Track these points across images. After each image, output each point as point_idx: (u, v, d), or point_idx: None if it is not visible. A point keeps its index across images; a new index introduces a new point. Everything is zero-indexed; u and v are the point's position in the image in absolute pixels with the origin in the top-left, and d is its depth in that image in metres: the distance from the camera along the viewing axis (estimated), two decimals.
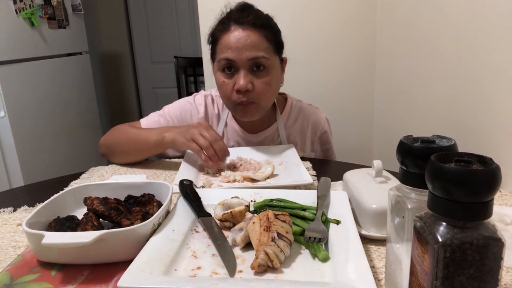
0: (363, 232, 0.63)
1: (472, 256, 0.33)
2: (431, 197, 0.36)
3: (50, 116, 2.38)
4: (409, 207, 0.42)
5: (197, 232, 0.63)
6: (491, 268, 0.34)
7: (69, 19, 2.57)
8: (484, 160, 0.34)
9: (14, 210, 0.81)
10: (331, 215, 0.65)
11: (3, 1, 2.02)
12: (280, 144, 1.15)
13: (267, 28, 1.01)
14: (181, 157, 1.05)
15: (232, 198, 0.70)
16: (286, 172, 0.93)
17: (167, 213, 0.65)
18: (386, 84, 1.67)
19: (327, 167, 1.11)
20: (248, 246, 0.58)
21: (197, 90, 2.48)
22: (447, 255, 0.33)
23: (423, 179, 0.36)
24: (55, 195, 0.67)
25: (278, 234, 0.54)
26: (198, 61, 2.34)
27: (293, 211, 0.66)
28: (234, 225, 0.63)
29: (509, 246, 0.37)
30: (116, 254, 0.55)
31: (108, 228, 0.57)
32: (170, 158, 1.15)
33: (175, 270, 0.52)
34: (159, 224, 0.60)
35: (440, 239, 0.34)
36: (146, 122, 1.14)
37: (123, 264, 0.53)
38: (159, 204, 0.67)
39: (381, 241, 0.62)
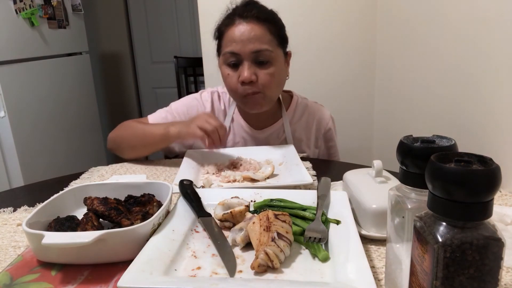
0: (363, 232, 0.63)
1: (472, 256, 0.33)
2: (431, 197, 0.36)
3: (50, 116, 2.38)
4: (409, 207, 0.42)
5: (197, 232, 0.63)
6: (491, 268, 0.34)
7: (69, 19, 2.57)
8: (484, 160, 0.34)
9: (14, 210, 0.81)
10: (331, 215, 0.65)
11: (3, 1, 2.02)
12: (285, 140, 1.17)
13: (270, 22, 1.04)
14: (182, 157, 1.05)
15: (232, 198, 0.70)
16: (286, 172, 0.93)
17: (167, 213, 0.65)
18: (386, 85, 1.67)
19: (327, 167, 1.11)
20: (248, 246, 0.58)
21: (197, 90, 2.47)
22: (447, 255, 0.33)
23: (423, 179, 0.36)
24: (55, 195, 0.67)
25: (278, 234, 0.54)
26: (198, 61, 2.34)
27: (293, 211, 0.66)
28: (234, 225, 0.63)
29: (509, 246, 0.37)
30: (116, 254, 0.55)
31: (108, 228, 0.57)
32: (177, 154, 1.15)
33: (175, 270, 0.52)
34: (159, 224, 0.60)
35: (440, 239, 0.34)
36: (153, 118, 1.16)
37: (123, 264, 0.53)
38: (159, 204, 0.67)
39: (381, 241, 0.62)
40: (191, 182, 0.76)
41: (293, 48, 1.20)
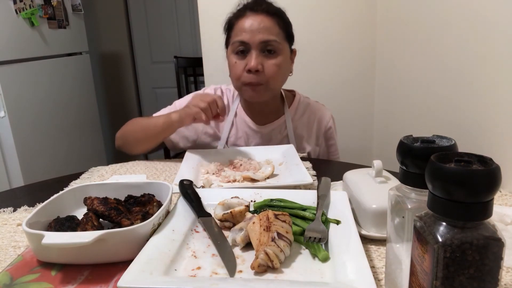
0: (363, 232, 0.63)
1: (472, 256, 0.33)
2: (431, 197, 0.36)
3: (50, 116, 2.38)
4: (409, 207, 0.42)
5: (197, 232, 0.63)
6: (491, 268, 0.34)
7: (69, 19, 2.57)
8: (484, 160, 0.34)
9: (14, 210, 0.81)
10: (331, 215, 0.65)
11: (3, 1, 2.02)
12: (287, 136, 1.19)
13: (279, 16, 1.09)
14: (182, 157, 1.05)
15: (232, 198, 0.70)
16: (286, 172, 0.93)
17: (167, 213, 0.65)
18: (386, 85, 1.67)
19: (327, 167, 1.11)
20: (248, 246, 0.58)
21: (197, 90, 2.48)
22: (447, 255, 0.33)
23: (423, 179, 0.36)
24: (55, 195, 0.67)
25: (278, 234, 0.54)
26: (198, 61, 2.34)
27: (293, 211, 0.66)
28: (234, 225, 0.63)
29: (509, 246, 0.37)
30: (116, 254, 0.55)
31: (108, 228, 0.57)
32: (181, 151, 1.16)
33: (175, 270, 0.52)
34: (159, 224, 0.60)
35: (440, 239, 0.34)
36: (158, 115, 1.18)
37: (123, 264, 0.53)
38: (159, 204, 0.67)
39: (381, 241, 0.62)
40: (191, 182, 0.76)
41: (293, 47, 1.20)
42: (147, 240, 0.56)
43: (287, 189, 0.78)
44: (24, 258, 0.57)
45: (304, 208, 0.67)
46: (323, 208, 0.65)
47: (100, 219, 0.63)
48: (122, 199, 0.68)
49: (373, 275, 0.47)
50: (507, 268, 0.55)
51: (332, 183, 0.77)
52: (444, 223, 0.35)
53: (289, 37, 1.12)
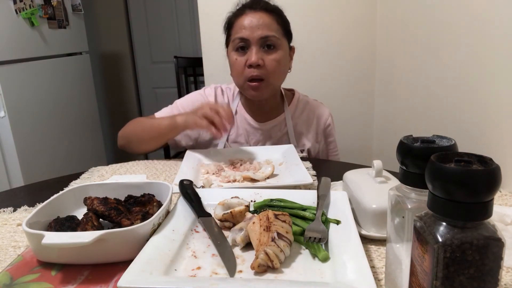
0: (363, 232, 0.63)
1: (472, 256, 0.33)
2: (431, 197, 0.36)
3: (50, 116, 2.38)
4: (409, 207, 0.42)
5: (197, 232, 0.63)
6: (491, 268, 0.34)
7: (69, 19, 2.57)
8: (484, 160, 0.34)
9: (14, 210, 0.81)
10: (331, 215, 0.65)
11: (3, 1, 2.02)
12: (287, 133, 1.20)
13: (277, 13, 1.11)
14: (182, 157, 1.05)
15: (232, 198, 0.70)
16: (286, 172, 0.93)
17: (167, 213, 0.65)
18: (386, 84, 1.67)
19: (327, 167, 1.11)
20: (248, 246, 0.58)
21: (197, 90, 2.48)
22: (447, 255, 0.33)
23: (423, 179, 0.36)
24: (55, 195, 0.67)
25: (278, 234, 0.54)
26: (198, 61, 2.34)
27: (293, 211, 0.66)
28: (234, 225, 0.63)
29: (509, 246, 0.37)
30: (116, 254, 0.55)
31: (108, 228, 0.57)
32: (184, 149, 1.17)
33: (175, 270, 0.52)
34: (159, 224, 0.60)
35: (440, 239, 0.34)
36: (160, 115, 1.20)
37: (123, 264, 0.53)
38: (159, 204, 0.67)
39: (381, 241, 0.62)
40: (191, 182, 0.76)
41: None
42: (147, 240, 0.56)
43: (287, 189, 0.78)
44: (24, 258, 0.57)
45: (304, 208, 0.67)
46: (323, 208, 0.65)
47: (100, 219, 0.63)
48: (122, 199, 0.68)
49: (373, 275, 0.47)
50: (507, 268, 0.55)
51: (332, 183, 0.77)
52: (444, 223, 0.35)
53: (288, 34, 1.14)
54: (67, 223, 0.58)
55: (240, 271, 0.53)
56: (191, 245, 0.59)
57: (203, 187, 0.83)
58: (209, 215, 0.66)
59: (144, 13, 3.37)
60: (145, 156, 1.16)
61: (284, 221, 0.57)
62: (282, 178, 0.90)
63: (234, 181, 0.88)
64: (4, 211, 0.80)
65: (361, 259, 0.50)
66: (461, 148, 0.41)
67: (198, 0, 1.75)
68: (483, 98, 0.97)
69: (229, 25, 1.13)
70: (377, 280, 0.52)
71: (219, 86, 1.26)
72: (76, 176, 1.00)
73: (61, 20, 2.48)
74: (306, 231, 0.58)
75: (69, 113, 2.56)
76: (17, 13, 2.10)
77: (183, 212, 0.66)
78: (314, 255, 0.56)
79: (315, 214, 0.64)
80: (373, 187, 0.68)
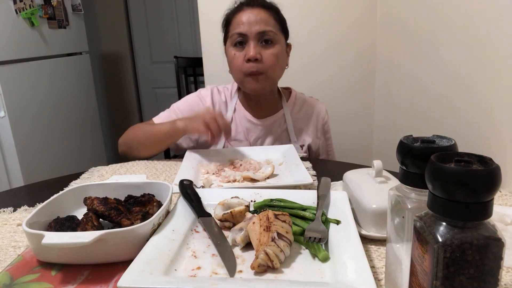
0: (363, 232, 0.63)
1: (472, 256, 0.33)
2: (431, 197, 0.36)
3: (50, 116, 2.38)
4: (409, 207, 0.42)
5: (197, 232, 0.63)
6: (491, 268, 0.34)
7: (69, 19, 2.57)
8: (484, 160, 0.34)
9: (14, 210, 0.81)
10: (331, 215, 0.65)
11: (3, 1, 2.02)
12: (287, 129, 1.22)
13: (274, 10, 1.13)
14: (182, 157, 1.05)
15: (232, 198, 0.70)
16: (286, 172, 0.93)
17: (167, 213, 0.65)
18: (386, 84, 1.67)
19: (327, 167, 1.11)
20: (248, 246, 0.58)
21: (197, 90, 2.48)
22: (447, 255, 0.33)
23: (423, 179, 0.36)
24: (55, 195, 0.67)
25: (278, 234, 0.54)
26: (198, 61, 2.33)
27: (293, 211, 0.66)
28: (234, 225, 0.63)
29: (509, 246, 0.37)
30: (116, 254, 0.55)
31: (108, 228, 0.57)
32: (185, 150, 1.17)
33: (175, 270, 0.52)
34: (159, 224, 0.60)
35: (440, 239, 0.34)
36: (158, 119, 1.21)
37: (123, 264, 0.53)
38: (159, 204, 0.67)
39: (381, 241, 0.62)
40: (191, 182, 0.76)
41: (293, 47, 1.21)
42: (147, 240, 0.56)
43: (287, 189, 0.78)
44: (24, 258, 0.57)
45: (304, 208, 0.67)
46: (323, 208, 0.65)
47: (100, 219, 0.63)
48: (122, 199, 0.68)
49: (373, 275, 0.47)
50: (507, 268, 0.55)
51: (332, 183, 0.77)
52: (444, 223, 0.35)
53: (285, 30, 1.16)
54: (67, 223, 0.58)
55: (240, 271, 0.53)
56: (191, 245, 0.59)
57: (203, 187, 0.83)
58: (209, 215, 0.66)
59: (144, 13, 3.37)
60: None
61: (284, 221, 0.57)
62: (282, 178, 0.90)
63: (234, 181, 0.88)
64: (4, 211, 0.80)
65: (361, 259, 0.50)
66: (461, 148, 0.41)
67: (198, 0, 1.75)
68: (483, 98, 0.97)
69: (227, 22, 1.15)
70: (377, 280, 0.52)
71: (215, 87, 1.26)
72: (76, 176, 1.00)
73: (61, 20, 2.48)
74: (306, 231, 0.58)
75: (69, 113, 2.56)
76: (17, 13, 2.10)
77: (183, 212, 0.66)
78: (314, 255, 0.56)
79: (315, 214, 0.64)
80: (373, 187, 0.68)
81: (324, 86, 1.78)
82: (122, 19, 3.36)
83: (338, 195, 0.70)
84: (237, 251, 0.58)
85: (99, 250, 0.54)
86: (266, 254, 0.52)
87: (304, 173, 0.86)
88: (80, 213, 0.64)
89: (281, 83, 1.22)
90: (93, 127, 2.87)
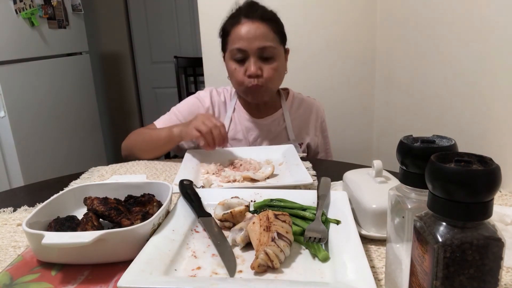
0: (363, 232, 0.63)
1: (472, 256, 0.33)
2: (431, 197, 0.36)
3: (50, 116, 2.38)
4: (409, 207, 0.42)
5: (197, 232, 0.63)
6: (491, 268, 0.34)
7: (69, 19, 2.57)
8: (484, 160, 0.34)
9: (14, 210, 0.81)
10: (331, 215, 0.65)
11: (3, 1, 2.02)
12: (286, 128, 1.23)
13: (273, 21, 1.13)
14: (182, 157, 1.05)
15: (232, 198, 0.70)
16: (286, 172, 0.93)
17: (167, 213, 0.65)
18: (386, 84, 1.67)
19: (327, 167, 1.11)
20: (248, 246, 0.58)
21: (197, 90, 2.48)
22: (447, 255, 0.33)
23: (423, 179, 0.36)
24: (55, 195, 0.67)
25: (278, 234, 0.54)
26: (198, 61, 2.34)
27: (293, 211, 0.66)
28: (234, 225, 0.63)
29: (509, 246, 0.37)
30: (116, 254, 0.55)
31: (108, 228, 0.57)
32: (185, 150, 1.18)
33: (175, 270, 0.52)
34: (159, 224, 0.60)
35: (440, 239, 0.34)
36: (159, 123, 1.22)
37: (123, 264, 0.53)
38: (159, 204, 0.67)
39: (381, 241, 0.62)
40: (191, 182, 0.76)
41: (293, 47, 1.21)
42: (147, 240, 0.56)
43: (287, 189, 0.78)
44: (24, 258, 0.57)
45: (304, 208, 0.67)
46: (323, 208, 0.65)
47: (100, 219, 0.63)
48: (122, 199, 0.68)
49: (373, 275, 0.47)
50: (507, 268, 0.55)
51: (332, 183, 0.77)
52: (444, 223, 0.35)
53: (283, 38, 1.16)
54: (67, 223, 0.58)
55: (240, 271, 0.53)
56: (191, 245, 0.59)
57: (203, 187, 0.83)
58: (209, 215, 0.66)
59: (144, 13, 3.37)
60: None
61: (284, 221, 0.57)
62: (282, 178, 0.90)
63: (234, 181, 0.88)
64: (4, 211, 0.80)
65: (361, 259, 0.50)
66: (461, 148, 0.41)
67: (198, 0, 1.75)
68: (483, 98, 0.97)
69: (225, 32, 1.15)
70: (377, 280, 0.52)
71: (214, 88, 1.28)
72: (76, 176, 1.00)
73: (61, 20, 2.48)
74: (306, 231, 0.58)
75: (69, 113, 2.56)
76: (17, 13, 2.10)
77: (183, 212, 0.66)
78: (314, 255, 0.56)
79: (315, 214, 0.64)
80: (373, 187, 0.68)
81: (324, 86, 1.78)
82: (122, 19, 3.36)
83: (338, 195, 0.70)
84: (237, 251, 0.58)
85: (99, 250, 0.54)
86: (266, 254, 0.52)
87: (304, 173, 0.86)
88: (80, 213, 0.64)
89: (281, 83, 1.23)
90: (93, 127, 2.87)
